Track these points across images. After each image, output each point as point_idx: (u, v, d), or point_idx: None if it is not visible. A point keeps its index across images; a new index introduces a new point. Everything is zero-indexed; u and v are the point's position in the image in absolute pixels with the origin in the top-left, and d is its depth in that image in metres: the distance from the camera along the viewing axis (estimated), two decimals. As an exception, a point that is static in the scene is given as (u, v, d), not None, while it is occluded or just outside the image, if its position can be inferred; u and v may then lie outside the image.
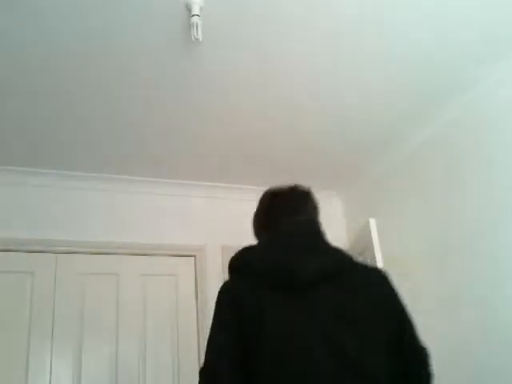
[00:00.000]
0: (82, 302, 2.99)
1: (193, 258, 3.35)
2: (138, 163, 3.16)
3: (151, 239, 3.26)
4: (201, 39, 1.90)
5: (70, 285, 3.00)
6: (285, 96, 2.57)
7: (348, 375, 1.24)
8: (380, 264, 2.95)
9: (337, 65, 2.35)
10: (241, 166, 3.33)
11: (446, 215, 2.79)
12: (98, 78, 2.32)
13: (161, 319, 3.13)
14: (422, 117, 2.85)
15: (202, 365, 1.30)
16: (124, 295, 3.09)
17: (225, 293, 1.38)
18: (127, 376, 2.93)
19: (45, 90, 2.38)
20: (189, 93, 2.48)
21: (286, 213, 1.52)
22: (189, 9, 1.91)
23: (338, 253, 1.45)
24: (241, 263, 1.45)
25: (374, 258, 2.98)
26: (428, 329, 2.91)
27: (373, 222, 3.07)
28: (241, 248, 1.48)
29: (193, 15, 1.88)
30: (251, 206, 3.95)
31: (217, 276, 3.29)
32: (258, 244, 1.52)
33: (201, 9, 1.90)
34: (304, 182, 3.88)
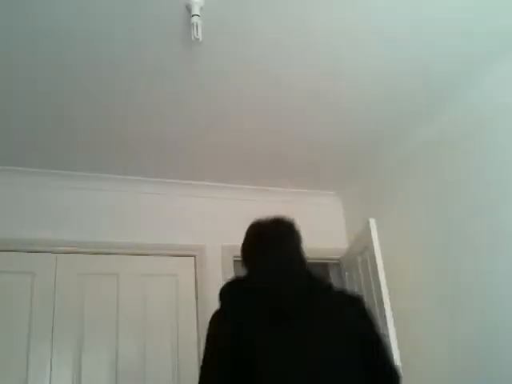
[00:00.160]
0: (82, 302, 2.99)
1: (193, 258, 3.35)
2: (138, 163, 3.16)
3: (151, 239, 3.26)
4: (201, 39, 1.90)
5: (70, 285, 3.00)
6: (285, 96, 2.57)
7: None
8: (380, 264, 2.95)
9: (336, 65, 2.36)
10: (241, 166, 3.33)
11: (445, 215, 2.79)
12: (98, 78, 2.32)
13: (161, 319, 3.13)
14: (421, 117, 2.85)
15: None
16: (124, 295, 3.09)
17: (215, 322, 1.50)
18: (127, 376, 2.93)
19: (45, 90, 2.38)
20: (188, 93, 2.49)
21: (270, 246, 1.64)
22: (189, 9, 1.91)
23: (318, 281, 1.57)
24: (229, 294, 1.57)
25: (374, 257, 2.98)
26: (428, 328, 2.94)
27: (373, 222, 3.07)
28: (229, 279, 1.63)
29: (193, 15, 1.89)
30: (251, 206, 3.98)
31: (217, 276, 3.29)
32: (245, 276, 1.62)
33: (201, 9, 1.90)
34: (304, 181, 3.92)
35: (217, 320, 1.50)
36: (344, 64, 2.35)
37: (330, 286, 1.59)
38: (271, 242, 1.65)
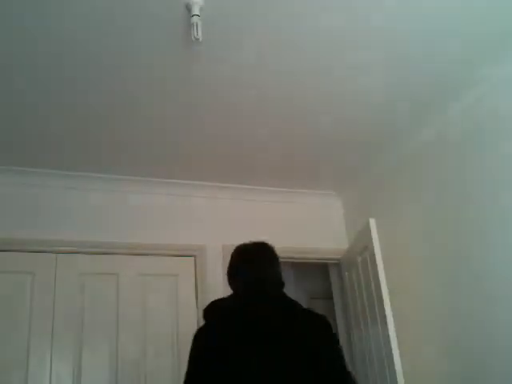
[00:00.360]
0: (82, 302, 2.99)
1: (193, 258, 3.35)
2: (137, 163, 3.16)
3: (151, 239, 3.25)
4: (201, 39, 1.90)
5: (70, 285, 3.00)
6: (285, 97, 2.57)
7: None
8: (380, 264, 2.95)
9: (336, 66, 2.36)
10: (241, 166, 3.33)
11: (445, 215, 2.79)
12: (98, 78, 2.32)
13: (161, 319, 3.13)
14: (421, 117, 2.85)
15: None
16: (124, 295, 3.09)
17: (197, 337, 1.76)
18: (127, 376, 2.93)
19: (44, 90, 2.38)
20: (188, 92, 2.49)
21: (251, 269, 1.86)
22: (189, 9, 1.91)
23: (291, 304, 1.80)
24: (208, 314, 1.82)
25: (374, 257, 2.98)
26: (428, 328, 2.93)
27: (373, 222, 3.07)
28: (213, 300, 1.87)
29: (193, 15, 1.88)
30: (251, 206, 3.98)
31: (217, 276, 3.29)
32: (228, 297, 1.86)
33: (201, 9, 1.90)
34: (304, 181, 3.92)
35: (198, 336, 1.76)
36: (344, 64, 2.35)
37: (300, 308, 1.80)
38: (252, 265, 1.86)
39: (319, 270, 4.46)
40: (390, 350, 2.75)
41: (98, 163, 3.12)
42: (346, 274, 3.54)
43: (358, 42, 2.21)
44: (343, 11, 2.02)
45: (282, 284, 1.87)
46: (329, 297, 4.10)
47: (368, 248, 3.08)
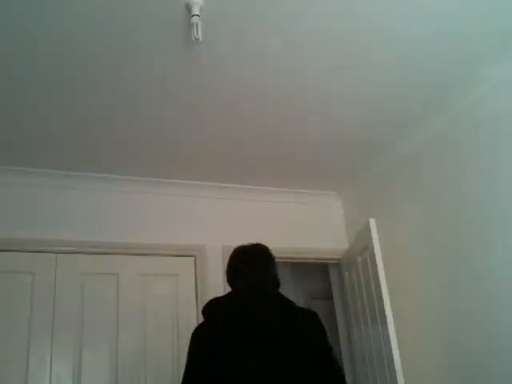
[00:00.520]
0: (82, 302, 2.99)
1: (193, 258, 3.35)
2: (137, 163, 3.16)
3: (151, 239, 3.26)
4: (201, 39, 1.90)
5: (70, 285, 3.00)
6: (285, 97, 2.57)
7: None
8: (380, 264, 2.95)
9: (336, 66, 2.36)
10: (241, 166, 3.33)
11: (445, 215, 2.79)
12: (98, 78, 2.32)
13: (161, 319, 3.13)
14: (422, 117, 2.85)
15: None
16: (124, 295, 3.09)
17: (196, 335, 1.82)
18: (127, 375, 2.93)
19: (44, 90, 2.38)
20: (188, 92, 2.48)
21: (249, 269, 1.92)
22: (189, 9, 1.91)
23: (287, 303, 1.85)
24: (208, 312, 1.86)
25: (374, 257, 2.98)
26: (428, 327, 2.93)
27: (373, 222, 3.08)
28: (211, 298, 1.92)
29: (193, 15, 1.88)
30: (251, 206, 3.98)
31: (217, 276, 3.29)
32: (226, 296, 1.91)
33: (201, 9, 1.90)
34: (304, 181, 3.92)
35: (197, 334, 1.81)
36: (344, 64, 2.35)
37: (297, 308, 1.86)
38: (251, 267, 1.93)
39: (319, 270, 4.46)
40: (390, 349, 2.75)
41: (97, 163, 3.12)
42: (346, 273, 3.55)
43: (358, 42, 2.21)
44: (343, 11, 2.02)
45: (278, 284, 1.93)
46: (329, 297, 4.11)
47: (368, 248, 3.08)
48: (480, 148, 2.58)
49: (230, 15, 1.99)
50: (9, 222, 2.98)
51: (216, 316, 1.82)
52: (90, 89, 2.39)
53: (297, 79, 2.44)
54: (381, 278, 2.92)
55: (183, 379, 1.72)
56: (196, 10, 1.88)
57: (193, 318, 3.16)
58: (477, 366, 2.50)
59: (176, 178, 3.41)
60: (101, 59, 2.20)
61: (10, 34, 2.00)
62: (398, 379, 2.68)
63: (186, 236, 3.36)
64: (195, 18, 1.88)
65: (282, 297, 1.87)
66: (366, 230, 3.11)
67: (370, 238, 3.03)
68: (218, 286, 3.27)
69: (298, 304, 1.90)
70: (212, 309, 1.86)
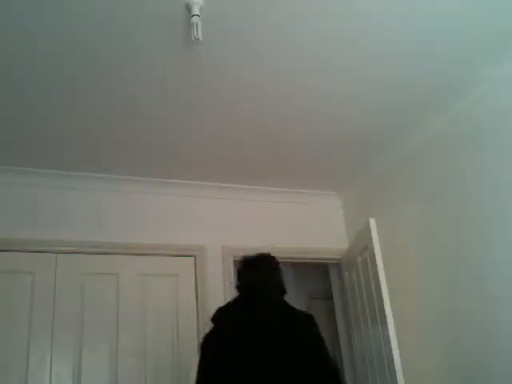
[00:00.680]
0: (82, 302, 2.99)
1: (193, 258, 3.35)
2: (137, 163, 3.16)
3: (151, 239, 3.26)
4: (201, 39, 1.90)
5: (70, 285, 3.00)
6: (285, 97, 2.57)
7: None
8: (380, 264, 2.95)
9: (336, 65, 2.36)
10: (241, 166, 3.33)
11: (445, 215, 2.79)
12: (98, 78, 2.32)
13: (161, 319, 3.13)
14: (421, 117, 2.85)
15: None
16: (124, 295, 3.09)
17: (205, 341, 1.92)
18: (127, 376, 2.93)
19: (44, 90, 2.38)
20: (188, 93, 2.49)
21: (251, 273, 2.06)
22: (189, 9, 1.91)
23: (291, 309, 1.96)
24: (216, 319, 1.97)
25: (374, 257, 2.98)
26: (428, 327, 2.93)
27: (373, 222, 3.08)
28: (220, 306, 2.05)
29: (193, 15, 1.88)
30: (251, 206, 3.98)
31: (217, 276, 3.30)
32: (233, 302, 2.03)
33: (201, 9, 1.90)
34: (304, 181, 3.91)
35: (206, 343, 1.91)
36: (344, 64, 2.35)
37: (297, 311, 1.97)
38: (253, 270, 2.05)
39: (319, 270, 4.46)
40: (390, 349, 2.75)
41: (98, 163, 3.12)
42: (346, 273, 3.55)
43: (358, 42, 2.21)
44: (343, 11, 2.02)
45: (283, 291, 2.04)
46: (329, 297, 4.11)
47: (368, 248, 3.08)
48: (480, 148, 2.58)
49: (230, 15, 1.99)
50: (9, 222, 2.98)
51: (222, 322, 1.94)
52: (89, 89, 2.40)
53: (297, 79, 2.44)
54: (381, 278, 2.92)
55: (197, 382, 1.82)
56: (196, 10, 1.89)
57: (193, 318, 3.16)
58: (477, 366, 2.50)
59: (176, 178, 3.41)
60: (101, 59, 2.20)
61: (10, 34, 2.00)
62: (398, 379, 2.68)
63: (185, 236, 3.36)
64: (195, 18, 1.88)
65: (285, 302, 1.98)
66: (366, 230, 3.11)
67: (370, 238, 3.03)
68: (217, 285, 3.28)
69: (298, 305, 1.97)
70: (218, 316, 1.98)
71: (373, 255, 3.00)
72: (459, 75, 2.49)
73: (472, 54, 2.34)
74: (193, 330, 3.14)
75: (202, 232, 3.42)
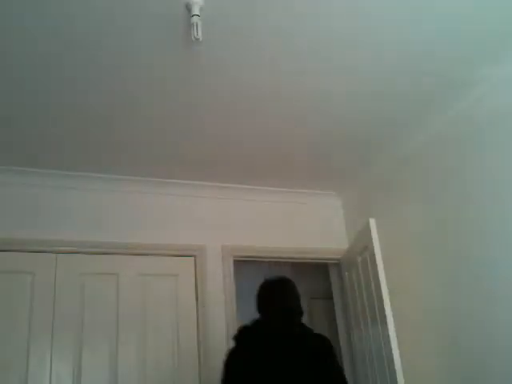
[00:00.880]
0: (82, 302, 2.99)
1: (193, 258, 3.35)
2: (137, 163, 3.16)
3: (151, 239, 3.26)
4: (201, 39, 1.90)
5: (70, 285, 3.00)
6: (285, 97, 2.57)
7: None
8: (380, 264, 2.95)
9: (336, 66, 2.35)
10: (241, 166, 3.33)
11: (445, 215, 2.80)
12: (98, 78, 2.32)
13: (161, 319, 3.13)
14: (421, 117, 2.85)
15: None
16: (124, 295, 3.09)
17: (228, 359, 2.11)
18: (127, 376, 2.93)
19: (44, 90, 2.38)
20: (188, 93, 2.49)
21: (272, 301, 2.24)
22: (189, 9, 1.91)
23: (307, 330, 2.15)
24: (238, 337, 2.16)
25: (374, 257, 2.98)
26: (428, 327, 2.93)
27: (373, 222, 3.07)
28: (242, 325, 2.21)
29: (193, 15, 1.88)
30: (251, 206, 3.98)
31: (217, 276, 3.30)
32: (255, 323, 2.19)
33: (201, 9, 1.90)
34: (304, 181, 3.91)
35: (229, 356, 2.10)
36: (344, 64, 2.35)
37: (313, 333, 2.15)
38: (277, 297, 2.24)
39: (319, 270, 4.46)
40: (390, 349, 2.75)
41: (98, 163, 3.12)
42: (346, 273, 3.54)
43: (358, 42, 2.21)
44: (343, 11, 2.02)
45: (302, 313, 2.24)
46: (329, 297, 4.11)
47: (368, 248, 3.08)
48: (480, 148, 2.58)
49: (230, 15, 1.99)
50: (9, 222, 2.98)
51: (246, 341, 2.13)
52: (89, 89, 2.40)
53: (297, 79, 2.44)
54: (381, 278, 2.91)
55: None
56: (196, 10, 1.89)
57: (193, 318, 3.16)
58: (477, 366, 2.50)
59: (176, 178, 3.41)
60: (101, 59, 2.20)
61: (10, 34, 2.00)
62: (398, 379, 2.68)
63: (185, 236, 3.36)
64: (195, 18, 1.88)
65: (303, 325, 2.17)
66: (366, 229, 3.11)
67: (370, 238, 3.03)
68: (217, 285, 3.28)
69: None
70: (242, 335, 2.15)
71: (373, 255, 3.00)
72: (459, 75, 2.49)
73: (472, 54, 2.35)
74: (193, 330, 3.14)
75: (202, 232, 3.42)
